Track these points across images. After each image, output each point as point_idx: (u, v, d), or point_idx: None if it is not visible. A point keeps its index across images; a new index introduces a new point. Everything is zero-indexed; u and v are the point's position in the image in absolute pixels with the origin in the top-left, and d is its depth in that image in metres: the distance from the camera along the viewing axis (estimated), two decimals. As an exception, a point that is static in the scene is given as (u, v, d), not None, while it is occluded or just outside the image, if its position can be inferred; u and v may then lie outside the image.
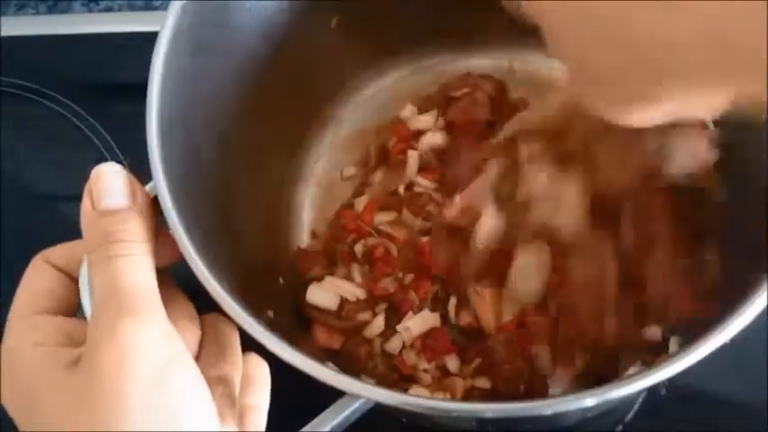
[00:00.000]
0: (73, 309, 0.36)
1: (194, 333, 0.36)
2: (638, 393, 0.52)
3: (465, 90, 0.58)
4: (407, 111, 0.60)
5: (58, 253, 0.37)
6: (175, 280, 0.38)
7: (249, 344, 0.37)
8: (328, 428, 0.35)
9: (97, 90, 0.67)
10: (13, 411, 0.33)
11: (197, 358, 0.36)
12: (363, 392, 0.35)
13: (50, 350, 0.33)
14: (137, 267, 0.33)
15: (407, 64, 0.63)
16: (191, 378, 0.33)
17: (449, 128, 0.59)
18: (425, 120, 0.59)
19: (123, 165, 0.36)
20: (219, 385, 0.35)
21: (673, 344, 0.48)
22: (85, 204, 0.35)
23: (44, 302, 0.35)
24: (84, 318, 0.36)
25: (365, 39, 0.59)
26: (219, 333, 0.37)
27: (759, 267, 0.38)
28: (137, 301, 0.32)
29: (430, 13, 0.58)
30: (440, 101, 0.60)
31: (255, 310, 0.37)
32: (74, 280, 0.37)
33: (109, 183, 0.35)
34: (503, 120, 0.53)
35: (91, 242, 0.34)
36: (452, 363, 0.52)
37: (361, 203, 0.58)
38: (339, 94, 0.61)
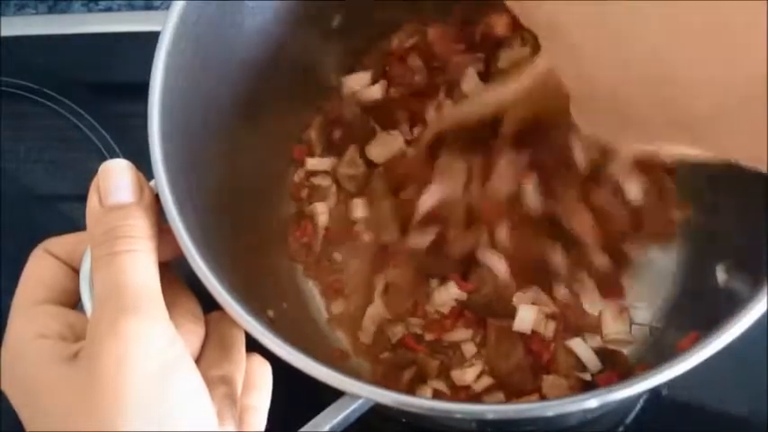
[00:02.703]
0: (74, 300, 0.36)
1: (197, 332, 0.36)
2: (640, 395, 0.52)
3: (411, 40, 0.58)
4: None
5: (60, 244, 0.37)
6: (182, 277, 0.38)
7: (249, 343, 0.37)
8: (328, 428, 0.35)
9: (97, 90, 0.67)
10: (15, 403, 0.33)
11: (200, 357, 0.36)
12: (363, 392, 0.35)
13: (51, 343, 0.33)
14: (140, 264, 0.33)
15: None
16: (190, 379, 0.33)
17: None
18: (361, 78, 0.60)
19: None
20: (221, 385, 0.35)
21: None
22: (92, 200, 0.35)
23: (45, 292, 0.35)
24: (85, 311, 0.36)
25: (365, 38, 0.59)
26: (224, 333, 0.37)
27: (759, 268, 0.38)
28: (139, 299, 0.32)
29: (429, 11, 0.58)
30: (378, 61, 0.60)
31: (256, 309, 0.37)
32: (75, 271, 0.36)
33: (117, 179, 0.35)
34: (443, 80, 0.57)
35: (95, 237, 0.34)
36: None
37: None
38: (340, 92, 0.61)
